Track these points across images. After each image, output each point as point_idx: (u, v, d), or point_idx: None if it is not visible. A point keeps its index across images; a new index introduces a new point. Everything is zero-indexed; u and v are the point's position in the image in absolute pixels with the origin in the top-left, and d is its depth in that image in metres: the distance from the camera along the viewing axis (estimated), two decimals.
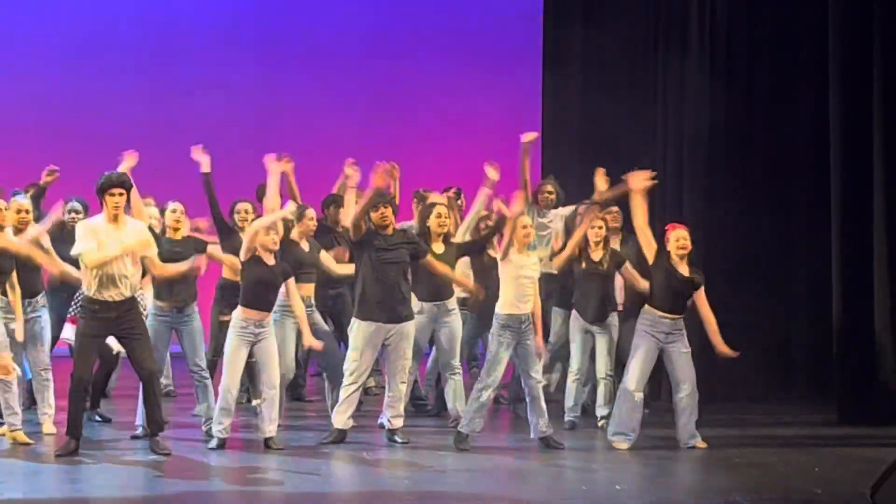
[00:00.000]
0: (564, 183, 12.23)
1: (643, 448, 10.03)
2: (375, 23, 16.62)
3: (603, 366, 10.85)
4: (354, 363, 10.06)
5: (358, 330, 10.05)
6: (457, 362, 10.83)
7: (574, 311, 10.97)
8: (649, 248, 9.95)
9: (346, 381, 10.10)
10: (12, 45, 16.02)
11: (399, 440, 10.08)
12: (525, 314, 9.85)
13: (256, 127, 16.06)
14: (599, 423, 10.84)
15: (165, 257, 9.90)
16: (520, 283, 9.83)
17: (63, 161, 11.72)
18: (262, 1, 16.70)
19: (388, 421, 10.23)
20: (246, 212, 11.10)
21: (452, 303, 10.81)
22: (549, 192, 12.06)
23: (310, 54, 16.49)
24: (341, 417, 10.08)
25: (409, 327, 10.14)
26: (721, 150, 12.67)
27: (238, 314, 9.80)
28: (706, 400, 11.63)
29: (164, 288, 10.25)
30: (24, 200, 10.27)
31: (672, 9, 13.06)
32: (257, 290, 9.75)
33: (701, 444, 10.02)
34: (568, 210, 11.81)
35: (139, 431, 10.09)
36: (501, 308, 9.85)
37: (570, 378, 10.94)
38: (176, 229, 10.46)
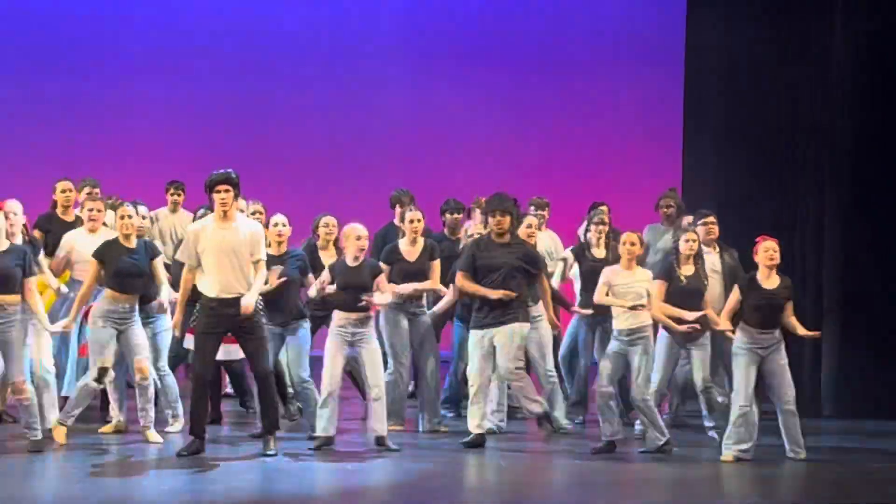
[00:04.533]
0: (701, 174, 11.92)
1: (772, 457, 9.80)
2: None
3: (700, 379, 10.46)
4: (470, 367, 10.21)
5: (470, 337, 10.23)
6: (551, 369, 10.87)
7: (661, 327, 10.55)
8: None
9: (469, 385, 10.22)
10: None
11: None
12: (627, 329, 9.92)
13: (406, 117, 16.08)
14: (709, 434, 10.62)
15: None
16: (626, 298, 9.94)
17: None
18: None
19: (496, 426, 10.41)
20: (333, 226, 11.03)
21: (537, 309, 10.69)
22: (668, 207, 12.06)
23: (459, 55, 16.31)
24: (474, 422, 10.13)
25: (515, 328, 10.09)
26: (870, 155, 12.24)
27: (335, 317, 9.99)
28: (848, 413, 11.65)
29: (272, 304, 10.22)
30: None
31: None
32: (347, 294, 9.91)
33: (801, 455, 9.75)
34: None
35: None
36: (614, 322, 10.01)
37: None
38: (279, 243, 10.41)
